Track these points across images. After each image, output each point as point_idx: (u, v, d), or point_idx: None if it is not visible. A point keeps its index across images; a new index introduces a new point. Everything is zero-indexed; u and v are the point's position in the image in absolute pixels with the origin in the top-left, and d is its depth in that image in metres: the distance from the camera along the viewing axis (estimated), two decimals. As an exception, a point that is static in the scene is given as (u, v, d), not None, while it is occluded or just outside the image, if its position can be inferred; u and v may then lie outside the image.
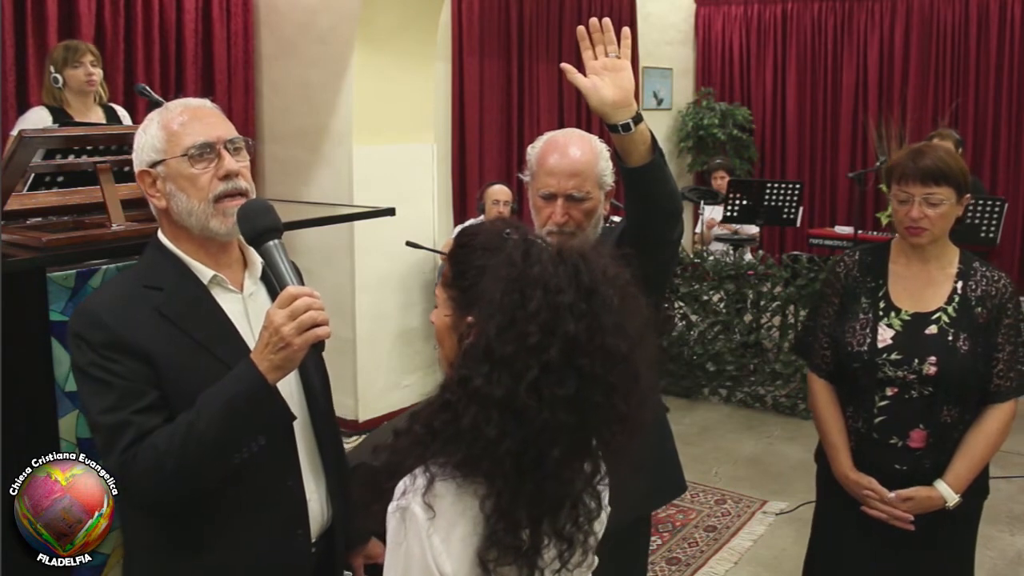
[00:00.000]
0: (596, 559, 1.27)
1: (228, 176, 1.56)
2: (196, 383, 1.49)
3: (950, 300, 2.10)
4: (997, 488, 4.17)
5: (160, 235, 1.64)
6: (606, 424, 1.18)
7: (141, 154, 1.60)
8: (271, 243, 1.52)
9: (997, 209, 4.91)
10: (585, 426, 1.16)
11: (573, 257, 1.16)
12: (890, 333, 2.10)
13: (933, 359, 2.05)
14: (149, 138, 1.59)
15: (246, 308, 1.64)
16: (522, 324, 1.12)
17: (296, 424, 1.62)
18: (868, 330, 2.11)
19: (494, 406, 1.12)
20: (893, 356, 2.08)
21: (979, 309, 2.08)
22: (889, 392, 2.09)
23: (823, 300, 2.25)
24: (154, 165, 1.58)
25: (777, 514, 3.99)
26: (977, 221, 4.90)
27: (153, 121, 1.60)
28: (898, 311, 2.11)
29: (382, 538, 1.20)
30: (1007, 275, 2.15)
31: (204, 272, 1.60)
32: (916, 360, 2.06)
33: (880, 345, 2.09)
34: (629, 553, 2.08)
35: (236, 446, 1.46)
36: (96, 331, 1.49)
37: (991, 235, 4.89)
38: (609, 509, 1.28)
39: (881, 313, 2.12)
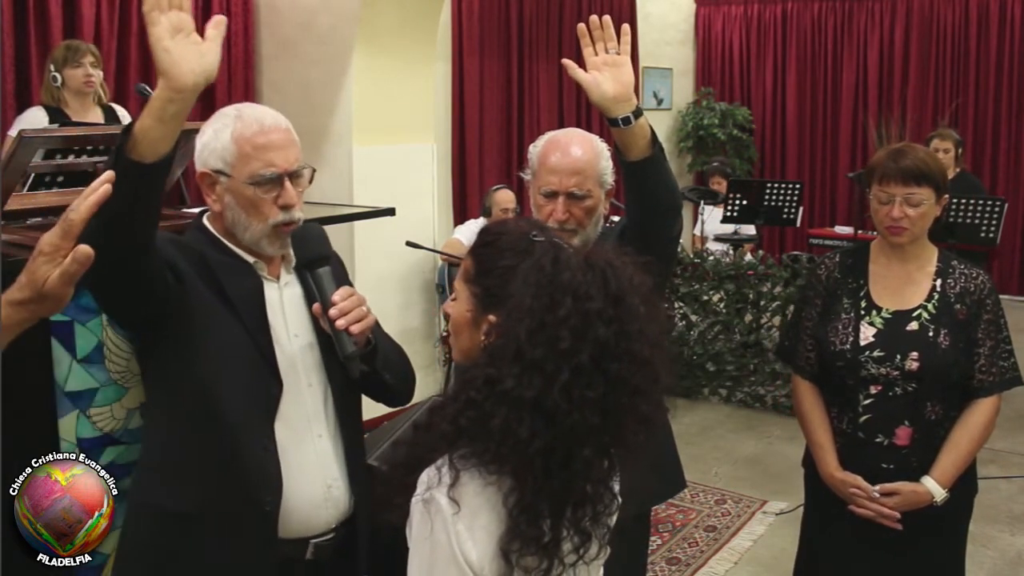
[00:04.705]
0: (608, 549, 1.30)
1: (286, 207, 1.65)
2: (212, 328, 1.60)
3: (930, 297, 2.12)
4: (997, 488, 4.20)
5: (206, 222, 1.72)
6: (629, 424, 1.22)
7: (206, 155, 1.64)
8: (321, 270, 1.68)
9: (997, 209, 4.91)
10: (610, 426, 1.20)
11: (601, 264, 1.21)
12: (872, 331, 2.12)
13: (915, 354, 2.07)
14: (219, 146, 1.62)
15: (281, 297, 1.72)
16: (552, 329, 1.16)
17: (318, 403, 1.71)
18: (850, 329, 2.13)
19: (525, 407, 1.16)
20: (876, 353, 2.09)
21: (958, 306, 2.11)
22: (873, 390, 2.10)
23: (805, 303, 2.27)
24: (217, 172, 1.63)
25: (777, 514, 4.00)
26: (977, 221, 4.90)
27: (226, 129, 1.63)
28: (879, 309, 2.14)
29: (401, 531, 1.22)
30: (985, 273, 2.17)
31: (247, 258, 1.69)
32: (898, 356, 2.08)
33: (863, 343, 2.11)
34: (629, 550, 2.08)
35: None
36: None
37: (991, 235, 4.89)
38: (620, 500, 1.31)
39: (863, 312, 2.14)
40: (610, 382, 1.18)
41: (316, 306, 1.67)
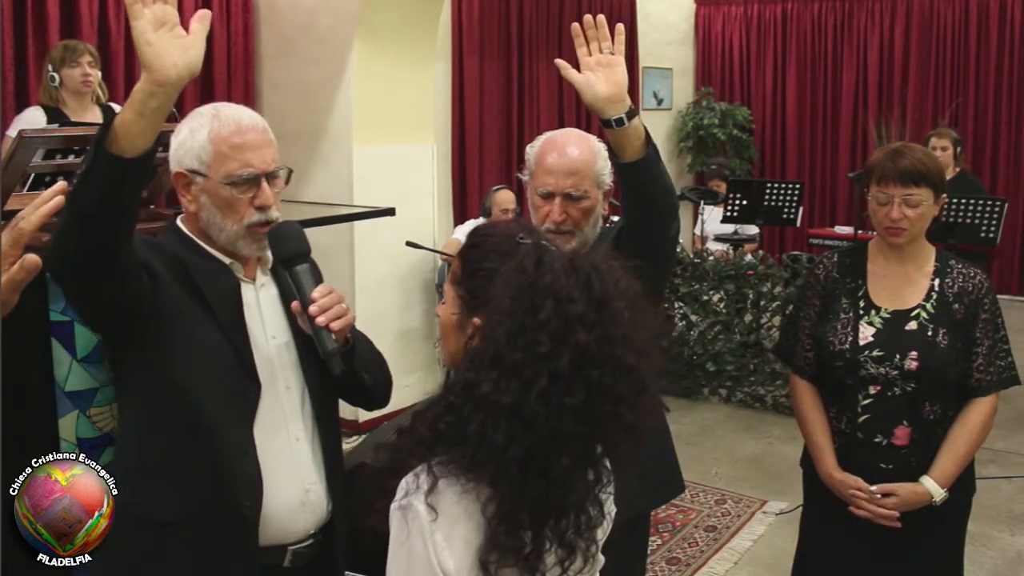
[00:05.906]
0: (603, 559, 1.28)
1: (263, 208, 1.63)
2: (188, 330, 1.57)
3: (928, 297, 2.12)
4: (997, 488, 4.20)
5: (180, 224, 1.70)
6: (612, 433, 1.18)
7: (181, 154, 1.62)
8: (299, 268, 1.63)
9: (997, 209, 4.90)
10: (592, 435, 1.17)
11: (585, 267, 1.17)
12: (871, 331, 2.12)
13: (914, 354, 2.07)
14: (195, 145, 1.60)
15: (258, 298, 1.70)
16: (532, 332, 1.13)
17: (295, 406, 1.69)
18: (849, 329, 2.13)
19: (502, 413, 1.13)
20: (875, 353, 2.10)
21: (956, 305, 2.11)
22: (872, 390, 2.11)
23: (804, 302, 2.27)
24: (193, 172, 1.61)
25: (777, 514, 4.00)
26: (977, 221, 4.89)
27: (203, 128, 1.61)
28: (878, 309, 2.14)
29: (384, 537, 1.20)
30: (983, 272, 2.17)
31: (222, 259, 1.67)
32: (897, 356, 2.08)
33: (862, 343, 2.11)
34: (628, 552, 2.08)
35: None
36: None
37: (991, 235, 4.89)
38: (612, 514, 1.28)
39: (861, 312, 2.15)
40: (591, 389, 1.14)
41: (295, 304, 1.63)
